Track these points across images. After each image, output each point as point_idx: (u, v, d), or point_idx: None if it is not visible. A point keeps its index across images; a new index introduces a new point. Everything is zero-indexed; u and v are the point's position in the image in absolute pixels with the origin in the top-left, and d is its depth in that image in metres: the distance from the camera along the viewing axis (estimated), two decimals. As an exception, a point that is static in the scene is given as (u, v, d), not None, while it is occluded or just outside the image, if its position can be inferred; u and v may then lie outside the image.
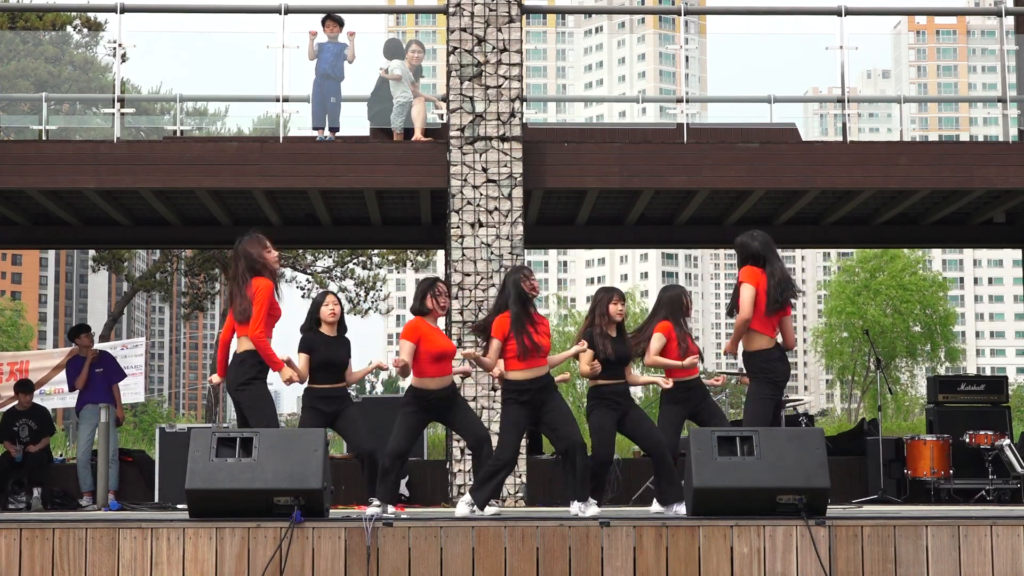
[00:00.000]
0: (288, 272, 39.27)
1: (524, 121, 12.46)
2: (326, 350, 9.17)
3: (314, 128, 12.66)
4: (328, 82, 12.61)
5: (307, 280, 38.59)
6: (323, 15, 12.73)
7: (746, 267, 8.73)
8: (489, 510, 8.56)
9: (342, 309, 9.38)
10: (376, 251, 35.57)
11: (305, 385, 9.24)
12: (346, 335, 9.35)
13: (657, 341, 9.29)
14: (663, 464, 8.97)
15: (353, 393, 10.44)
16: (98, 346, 18.08)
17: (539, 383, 8.59)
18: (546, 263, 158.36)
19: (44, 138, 13.41)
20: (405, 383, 9.04)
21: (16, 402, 14.01)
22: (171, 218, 14.28)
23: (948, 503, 13.23)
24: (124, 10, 12.58)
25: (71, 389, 13.92)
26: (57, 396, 15.43)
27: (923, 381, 61.13)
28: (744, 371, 9.33)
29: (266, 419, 8.43)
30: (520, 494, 11.61)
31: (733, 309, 8.87)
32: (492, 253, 12.06)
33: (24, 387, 14.06)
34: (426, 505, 11.96)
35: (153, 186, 12.63)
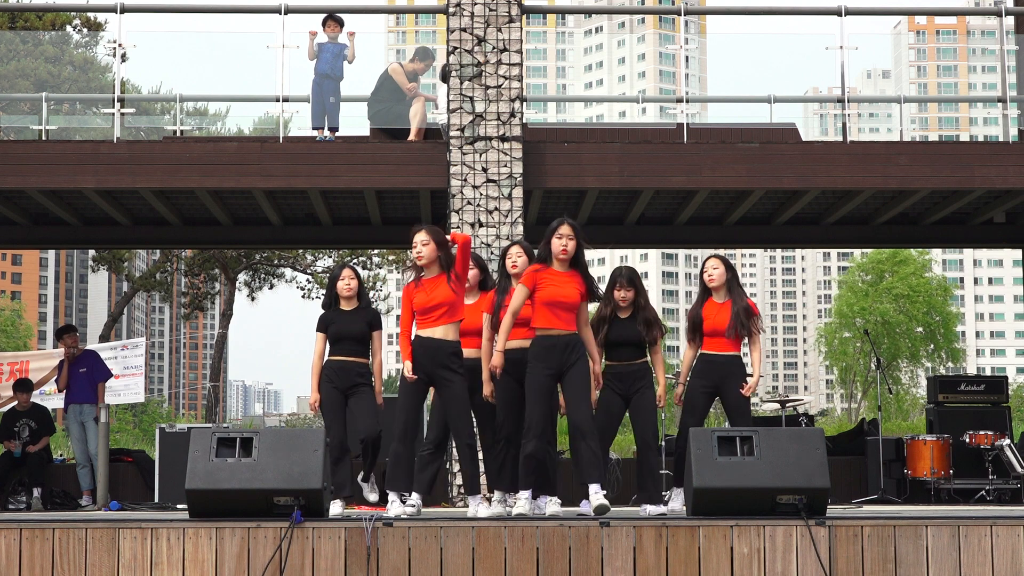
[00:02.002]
0: (288, 272, 39.35)
1: (524, 121, 12.46)
2: (340, 323, 9.27)
3: (314, 128, 12.66)
4: (327, 82, 12.62)
5: (307, 280, 38.63)
6: (323, 15, 12.73)
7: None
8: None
9: (360, 282, 9.40)
10: (376, 251, 35.60)
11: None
12: (370, 307, 9.43)
13: None
14: (642, 463, 8.97)
15: None
16: (97, 346, 18.12)
17: (516, 354, 8.54)
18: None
19: (44, 138, 13.41)
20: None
21: (16, 402, 14.03)
22: (171, 218, 14.28)
23: (948, 503, 13.23)
24: (124, 10, 12.58)
25: (59, 390, 14.00)
26: (57, 396, 15.44)
27: (923, 381, 61.15)
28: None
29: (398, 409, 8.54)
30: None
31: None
32: (492, 253, 12.06)
33: (22, 386, 14.07)
34: (426, 505, 11.94)
35: (153, 186, 12.63)
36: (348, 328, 9.29)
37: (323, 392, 9.31)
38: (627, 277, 9.12)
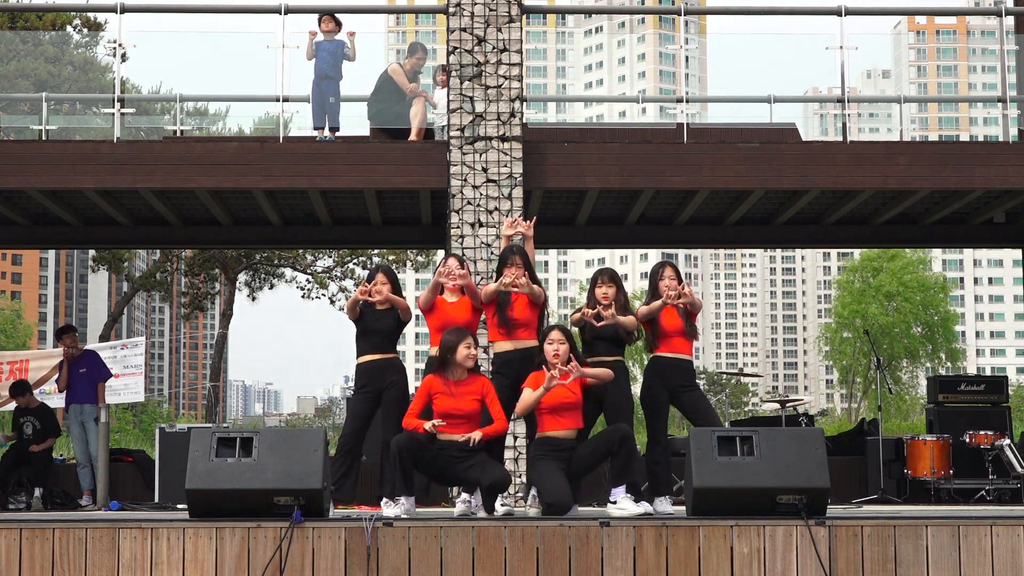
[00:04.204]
0: (288, 272, 39.34)
1: (524, 121, 12.45)
2: (370, 319, 9.29)
3: (314, 128, 12.66)
4: (327, 82, 12.60)
5: (307, 280, 38.62)
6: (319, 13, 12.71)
7: None
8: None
9: (393, 286, 9.34)
10: (376, 251, 35.60)
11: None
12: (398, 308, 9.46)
13: None
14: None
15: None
16: (97, 346, 18.11)
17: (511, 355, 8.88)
18: (546, 263, 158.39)
19: (44, 138, 13.41)
20: None
21: (15, 404, 14.03)
22: (171, 218, 14.28)
23: (948, 503, 13.23)
24: (124, 10, 12.58)
25: (59, 390, 13.98)
26: (56, 396, 15.45)
27: (923, 381, 61.09)
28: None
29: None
30: (520, 493, 11.60)
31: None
32: (492, 253, 12.06)
33: (18, 389, 14.03)
34: (426, 505, 11.94)
35: (153, 186, 12.63)
36: (376, 324, 9.28)
37: (354, 400, 9.36)
38: (608, 275, 9.20)
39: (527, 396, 8.48)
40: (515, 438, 11.47)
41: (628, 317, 9.00)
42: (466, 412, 8.39)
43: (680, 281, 9.34)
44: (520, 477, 11.71)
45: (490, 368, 9.51)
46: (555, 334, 8.57)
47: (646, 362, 9.40)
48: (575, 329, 9.28)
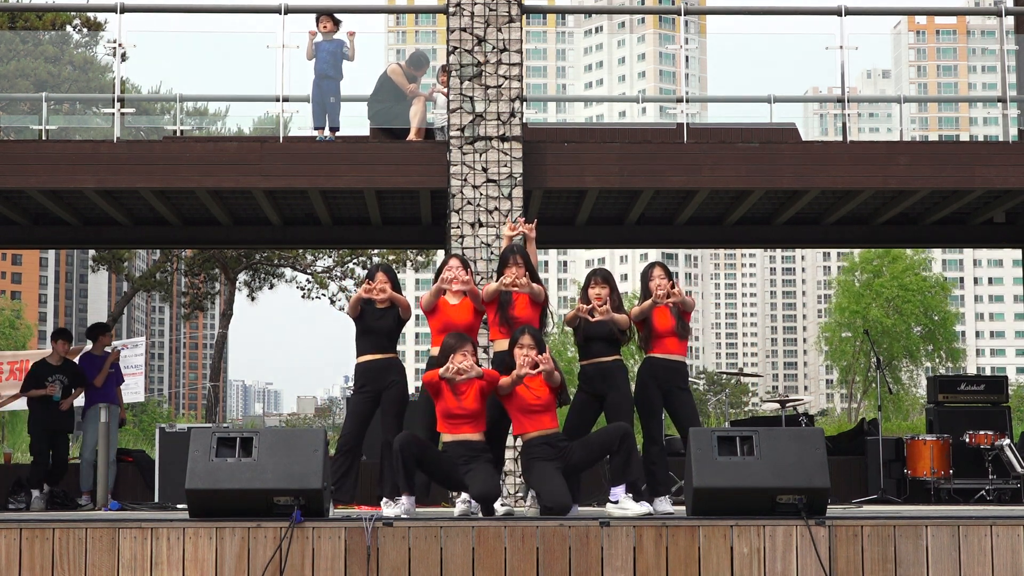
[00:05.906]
0: (288, 272, 39.34)
1: (524, 121, 12.45)
2: (370, 317, 9.27)
3: (314, 128, 12.66)
4: (326, 82, 12.60)
5: (307, 280, 38.62)
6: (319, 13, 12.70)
7: None
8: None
9: (393, 284, 9.34)
10: (376, 251, 35.59)
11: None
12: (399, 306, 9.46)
13: None
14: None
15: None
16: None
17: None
18: (546, 263, 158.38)
19: (44, 138, 13.41)
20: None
21: (48, 354, 13.83)
22: (171, 218, 14.28)
23: (948, 503, 13.24)
24: (124, 10, 12.58)
25: (89, 386, 13.71)
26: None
27: (923, 381, 61.04)
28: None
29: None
30: (520, 493, 11.59)
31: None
32: (492, 253, 12.06)
33: (62, 335, 13.85)
34: (426, 505, 11.93)
35: (153, 186, 12.63)
36: (375, 323, 9.26)
37: (354, 400, 9.36)
38: (602, 275, 9.21)
39: (504, 380, 8.55)
40: (515, 438, 11.46)
41: (622, 315, 9.02)
42: (470, 411, 8.48)
43: (670, 280, 9.34)
44: (520, 477, 11.71)
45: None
46: (526, 339, 8.58)
47: (639, 363, 9.44)
48: (569, 328, 9.32)
